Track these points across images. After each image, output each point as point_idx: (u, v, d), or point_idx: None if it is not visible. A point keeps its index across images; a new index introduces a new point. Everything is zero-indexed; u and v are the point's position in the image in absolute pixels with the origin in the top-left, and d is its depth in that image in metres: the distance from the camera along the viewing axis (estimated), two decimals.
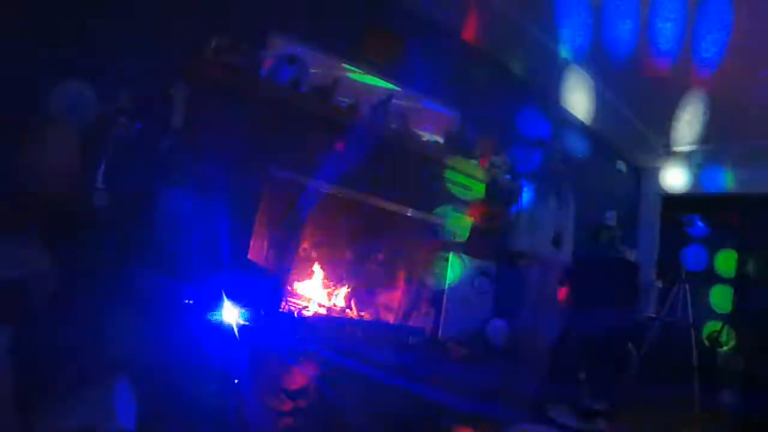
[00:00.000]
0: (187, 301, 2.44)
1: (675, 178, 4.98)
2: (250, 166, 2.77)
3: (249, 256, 2.78)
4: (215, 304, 2.44)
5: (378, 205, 3.38)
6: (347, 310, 3.48)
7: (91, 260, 2.20)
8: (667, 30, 3.22)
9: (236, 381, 2.15)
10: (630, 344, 3.66)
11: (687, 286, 3.51)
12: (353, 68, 3.23)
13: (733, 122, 4.03)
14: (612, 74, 3.91)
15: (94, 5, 2.34)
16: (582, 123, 4.47)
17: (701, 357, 3.58)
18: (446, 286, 3.47)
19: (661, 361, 3.63)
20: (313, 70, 2.98)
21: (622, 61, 3.59)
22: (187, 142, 2.56)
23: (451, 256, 3.51)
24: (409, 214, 3.52)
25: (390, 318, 3.60)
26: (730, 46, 3.14)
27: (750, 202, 4.47)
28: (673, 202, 5.05)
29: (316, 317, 3.14)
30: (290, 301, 3.16)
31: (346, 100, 3.10)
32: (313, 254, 3.42)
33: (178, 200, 2.51)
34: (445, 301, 3.44)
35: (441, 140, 3.59)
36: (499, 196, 3.77)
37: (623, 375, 3.57)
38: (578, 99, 4.17)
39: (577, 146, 4.12)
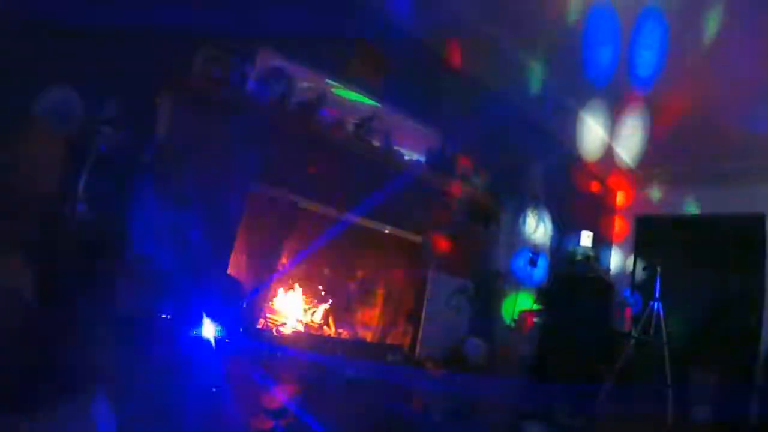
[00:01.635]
0: (164, 316, 2.38)
1: (648, 198, 5.19)
2: (234, 180, 2.75)
3: (228, 272, 2.74)
4: (193, 319, 2.40)
5: (359, 222, 3.39)
6: (325, 327, 3.45)
7: (68, 272, 2.13)
8: (641, 54, 3.38)
9: (214, 389, 2.11)
10: (603, 361, 3.75)
11: (660, 304, 3.63)
12: (338, 84, 3.26)
13: (703, 145, 4.24)
14: (587, 94, 4.06)
15: (83, 12, 2.31)
16: (559, 143, 4.62)
17: (674, 373, 3.68)
18: (424, 303, 3.48)
19: (635, 378, 3.72)
20: (299, 85, 3.00)
21: (598, 82, 3.75)
22: (171, 155, 2.53)
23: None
24: (388, 232, 3.54)
25: (368, 335, 3.59)
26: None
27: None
28: (646, 221, 5.24)
29: (294, 334, 3.10)
30: (268, 318, 3.12)
31: (331, 116, 3.12)
32: (292, 270, 3.39)
33: (159, 213, 2.47)
34: (423, 318, 3.45)
35: (422, 159, 3.64)
36: (477, 214, 3.84)
37: (598, 391, 3.65)
38: (556, 119, 4.30)
39: (554, 166, 4.24)
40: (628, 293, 4.39)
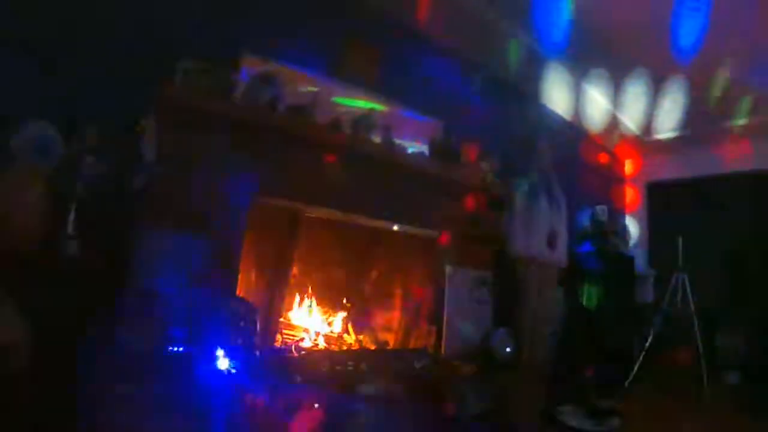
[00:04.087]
0: (175, 349, 2.25)
1: (657, 165, 5.02)
2: (232, 194, 2.60)
3: (238, 293, 2.60)
4: (206, 350, 2.27)
5: (367, 223, 3.25)
6: (345, 336, 3.32)
7: (65, 315, 2.00)
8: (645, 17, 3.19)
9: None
10: (634, 336, 3.62)
11: (685, 275, 3.49)
12: (331, 83, 3.09)
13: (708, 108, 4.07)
14: (590, 66, 3.89)
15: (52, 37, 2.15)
16: (564, 119, 4.45)
17: (704, 341, 3.56)
18: (445, 300, 3.34)
19: (666, 352, 3.60)
20: (289, 89, 2.83)
21: (600, 53, 3.58)
22: (162, 177, 2.38)
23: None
24: (400, 230, 3.39)
25: (389, 339, 3.46)
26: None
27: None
28: (657, 188, 5.08)
29: (314, 350, 2.97)
30: (285, 334, 2.99)
31: (327, 117, 2.96)
32: (305, 280, 3.25)
33: (156, 241, 2.33)
34: (445, 316, 3.32)
35: (426, 150, 3.48)
36: (489, 201, 3.69)
37: (629, 370, 3.52)
38: (559, 95, 4.13)
39: (562, 143, 4.08)
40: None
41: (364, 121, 3.07)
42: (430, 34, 3.60)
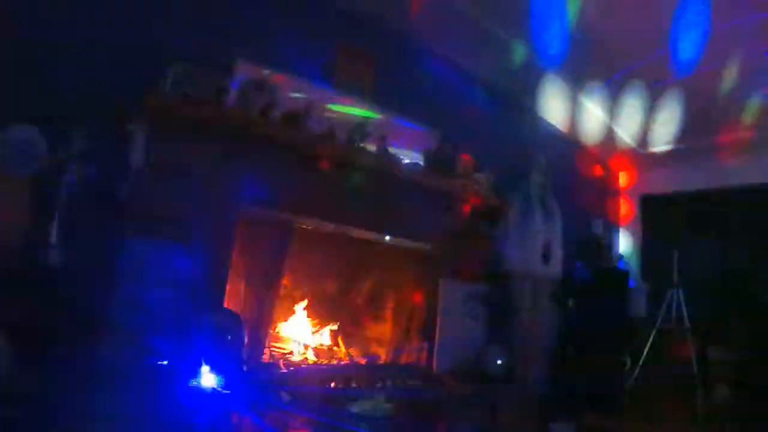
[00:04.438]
0: (161, 362, 2.17)
1: (652, 178, 5.01)
2: (221, 204, 2.53)
3: (225, 304, 2.53)
4: (193, 363, 2.19)
5: (360, 235, 3.19)
6: (335, 348, 3.25)
7: (48, 327, 1.93)
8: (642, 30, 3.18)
9: None
10: (626, 351, 3.59)
11: (680, 290, 3.47)
12: (326, 90, 3.05)
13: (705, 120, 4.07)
14: (586, 78, 3.87)
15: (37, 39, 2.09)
16: (560, 131, 4.42)
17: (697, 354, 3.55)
18: (438, 315, 3.29)
19: (660, 367, 3.56)
20: (283, 96, 2.78)
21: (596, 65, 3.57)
22: (149, 184, 2.31)
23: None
24: (393, 242, 3.33)
25: (380, 352, 3.39)
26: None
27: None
28: (651, 202, 5.07)
29: (303, 364, 2.90)
30: (273, 347, 2.91)
31: (321, 125, 2.91)
32: (295, 292, 3.18)
33: (142, 250, 2.26)
34: (437, 331, 3.25)
35: (421, 161, 3.44)
36: (483, 214, 3.64)
37: (623, 384, 3.48)
38: (555, 107, 4.12)
39: (557, 156, 4.05)
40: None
41: (358, 130, 3.03)
42: (428, 43, 3.57)
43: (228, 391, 2.01)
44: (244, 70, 2.68)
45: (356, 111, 3.20)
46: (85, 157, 2.03)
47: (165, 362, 2.17)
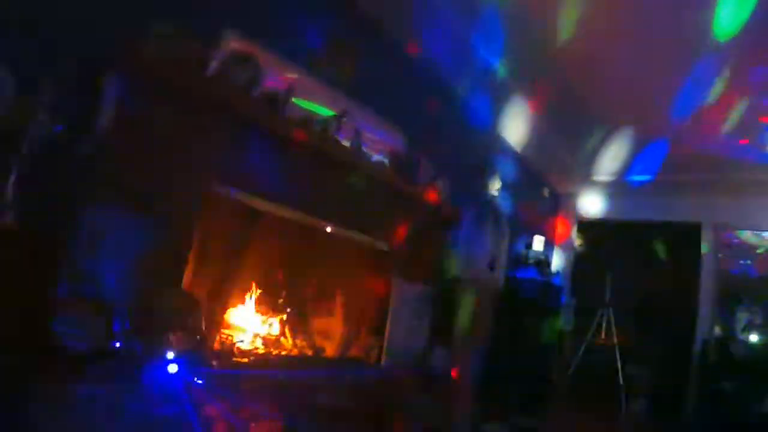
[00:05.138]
0: (116, 345, 1.99)
1: (590, 204, 5.48)
2: (190, 178, 2.37)
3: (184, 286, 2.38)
4: (149, 345, 2.03)
5: (316, 225, 3.14)
6: (282, 339, 3.18)
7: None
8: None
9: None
10: (555, 362, 3.90)
11: (611, 309, 3.84)
12: (307, 75, 2.97)
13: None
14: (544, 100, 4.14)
15: None
16: (514, 149, 4.68)
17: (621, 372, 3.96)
18: (389, 313, 3.34)
19: (587, 379, 3.92)
20: (266, 75, 2.66)
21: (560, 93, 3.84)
22: (115, 147, 2.10)
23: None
24: (350, 237, 3.33)
25: (326, 346, 3.37)
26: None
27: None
28: (586, 226, 5.55)
29: (254, 352, 2.81)
30: (224, 334, 2.78)
31: (299, 110, 2.83)
32: (247, 278, 3.06)
33: (102, 220, 2.05)
34: (387, 329, 3.31)
35: (386, 162, 3.47)
36: (438, 220, 3.76)
37: (551, 392, 3.78)
38: (513, 125, 4.35)
39: (510, 172, 4.29)
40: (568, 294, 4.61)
41: (336, 120, 2.99)
42: (408, 48, 3.61)
43: (197, 380, 1.90)
44: (230, 42, 2.53)
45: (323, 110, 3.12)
46: (55, 110, 1.80)
47: (118, 344, 1.99)
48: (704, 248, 4.79)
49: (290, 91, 2.79)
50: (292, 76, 2.86)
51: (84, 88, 1.99)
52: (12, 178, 1.67)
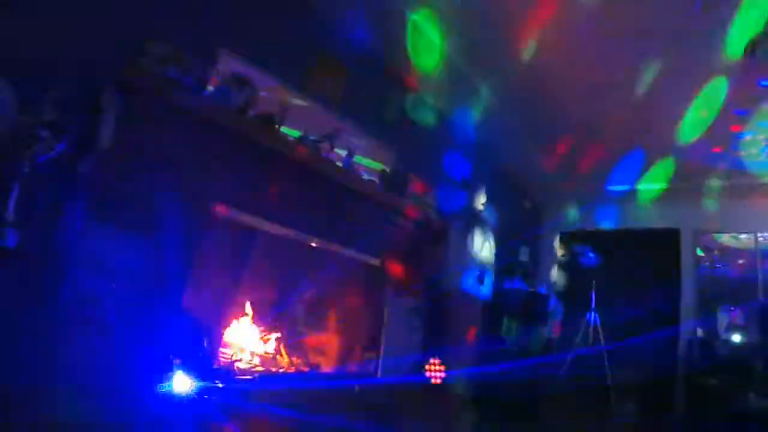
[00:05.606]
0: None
1: (571, 215, 5.66)
2: (189, 197, 2.38)
3: (185, 305, 2.36)
4: (151, 365, 2.01)
5: (312, 243, 3.17)
6: (278, 357, 3.15)
7: None
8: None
9: None
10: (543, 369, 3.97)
11: (596, 314, 3.95)
12: (298, 96, 3.03)
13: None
14: (525, 114, 4.29)
15: None
16: (497, 162, 4.81)
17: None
18: (383, 328, 3.36)
19: (577, 384, 3.99)
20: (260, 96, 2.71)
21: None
22: (116, 165, 2.11)
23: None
24: (343, 254, 3.35)
25: (322, 362, 3.35)
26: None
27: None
28: (568, 236, 5.71)
29: (250, 370, 2.78)
30: (222, 353, 2.75)
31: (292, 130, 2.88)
32: (244, 298, 3.05)
33: (102, 236, 2.04)
34: (383, 342, 3.32)
35: (376, 178, 3.53)
36: (428, 234, 3.83)
37: (542, 398, 3.84)
38: (495, 139, 4.50)
39: (495, 186, 4.42)
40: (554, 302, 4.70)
41: (328, 139, 3.05)
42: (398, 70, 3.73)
43: (206, 396, 1.88)
44: (227, 63, 2.59)
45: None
46: (57, 128, 1.80)
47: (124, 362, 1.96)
48: (684, 253, 5.00)
49: (284, 111, 2.85)
50: (285, 96, 2.92)
51: (85, 107, 2.00)
52: (13, 196, 1.65)
